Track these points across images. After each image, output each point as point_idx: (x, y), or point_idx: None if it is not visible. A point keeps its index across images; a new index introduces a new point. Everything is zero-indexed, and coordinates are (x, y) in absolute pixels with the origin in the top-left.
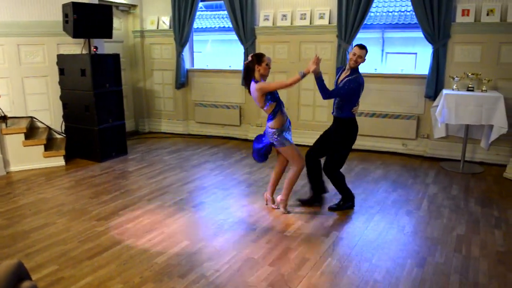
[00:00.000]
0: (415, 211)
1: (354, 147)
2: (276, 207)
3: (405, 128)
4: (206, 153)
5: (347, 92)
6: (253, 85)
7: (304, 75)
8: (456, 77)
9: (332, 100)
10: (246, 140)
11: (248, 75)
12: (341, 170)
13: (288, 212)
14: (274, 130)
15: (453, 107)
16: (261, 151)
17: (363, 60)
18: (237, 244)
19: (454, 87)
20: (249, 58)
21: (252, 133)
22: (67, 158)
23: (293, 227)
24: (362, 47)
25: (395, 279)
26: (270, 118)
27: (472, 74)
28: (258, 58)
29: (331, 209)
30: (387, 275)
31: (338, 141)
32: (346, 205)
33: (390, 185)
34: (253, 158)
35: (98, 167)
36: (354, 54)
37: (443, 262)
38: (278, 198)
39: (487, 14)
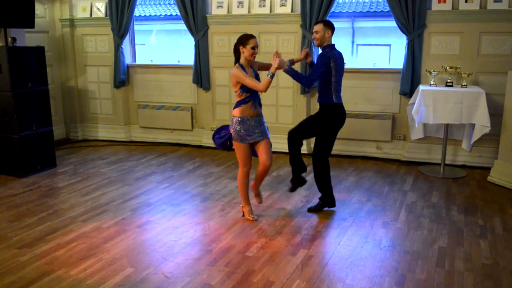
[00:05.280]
0: (392, 222)
1: None
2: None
3: (379, 129)
4: (153, 163)
5: (319, 67)
6: (233, 68)
7: (272, 75)
8: (434, 71)
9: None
10: (199, 146)
11: (236, 56)
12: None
13: (255, 219)
14: (235, 118)
15: (430, 104)
16: (223, 138)
17: (321, 35)
18: (190, 269)
19: (432, 82)
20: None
21: (206, 139)
22: None
23: (255, 245)
24: (319, 22)
25: None
26: (236, 105)
27: (451, 67)
28: (242, 40)
29: (310, 210)
30: None
31: (322, 127)
32: (325, 206)
33: (364, 194)
34: (216, 144)
35: (20, 184)
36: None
37: (424, 279)
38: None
39: (466, 1)
